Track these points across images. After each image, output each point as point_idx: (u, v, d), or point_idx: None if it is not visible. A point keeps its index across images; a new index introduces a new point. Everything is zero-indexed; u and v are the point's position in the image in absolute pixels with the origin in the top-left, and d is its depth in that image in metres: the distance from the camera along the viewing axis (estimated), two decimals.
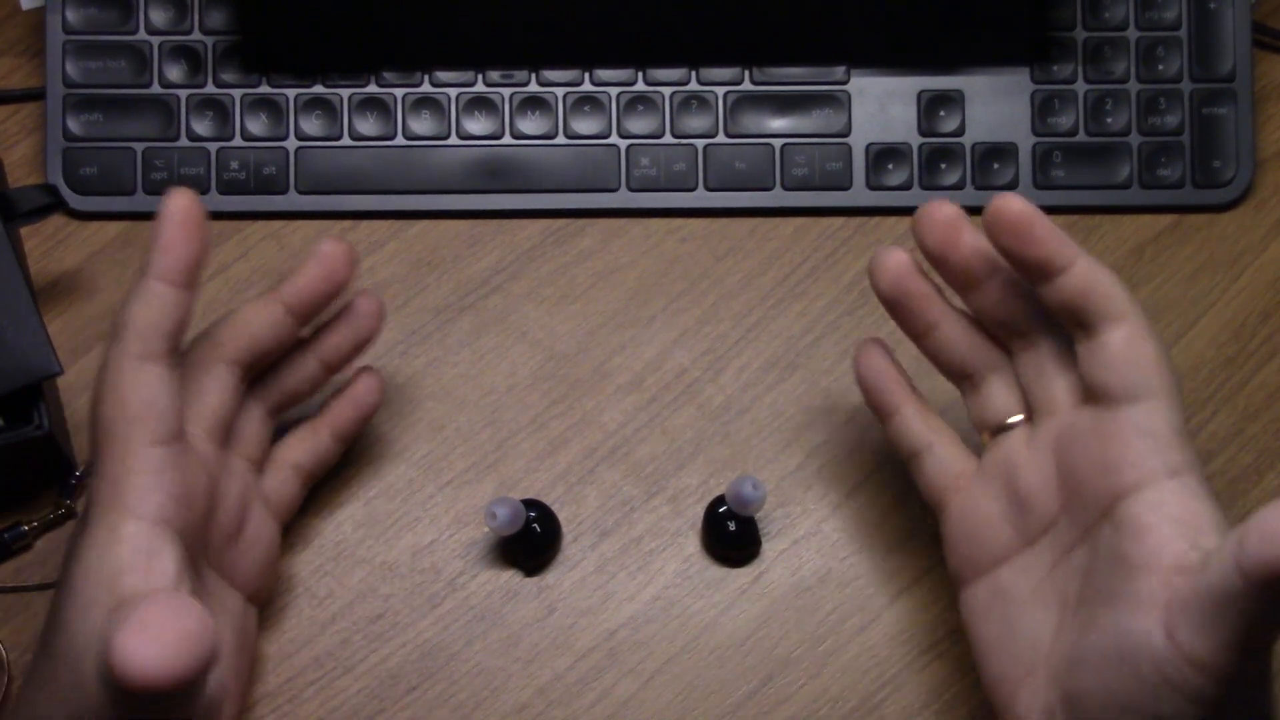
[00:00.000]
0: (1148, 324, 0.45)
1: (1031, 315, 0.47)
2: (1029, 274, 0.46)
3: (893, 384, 0.51)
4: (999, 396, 0.49)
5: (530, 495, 0.56)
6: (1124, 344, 0.45)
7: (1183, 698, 0.41)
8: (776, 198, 0.61)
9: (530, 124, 0.61)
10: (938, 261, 0.48)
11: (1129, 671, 0.42)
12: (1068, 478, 0.46)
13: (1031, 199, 0.61)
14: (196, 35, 0.61)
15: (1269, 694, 0.43)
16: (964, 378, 0.50)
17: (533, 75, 0.62)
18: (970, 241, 0.47)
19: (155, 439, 0.45)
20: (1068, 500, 0.46)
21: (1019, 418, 0.49)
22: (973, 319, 0.49)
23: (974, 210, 0.62)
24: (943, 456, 0.50)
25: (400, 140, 0.61)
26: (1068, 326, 0.46)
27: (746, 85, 0.62)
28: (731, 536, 0.55)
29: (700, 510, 0.56)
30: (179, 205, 0.46)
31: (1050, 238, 0.45)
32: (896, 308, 0.50)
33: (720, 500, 0.55)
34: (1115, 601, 0.43)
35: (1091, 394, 0.46)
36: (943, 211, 0.47)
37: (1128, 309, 0.45)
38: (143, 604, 0.39)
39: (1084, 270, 0.45)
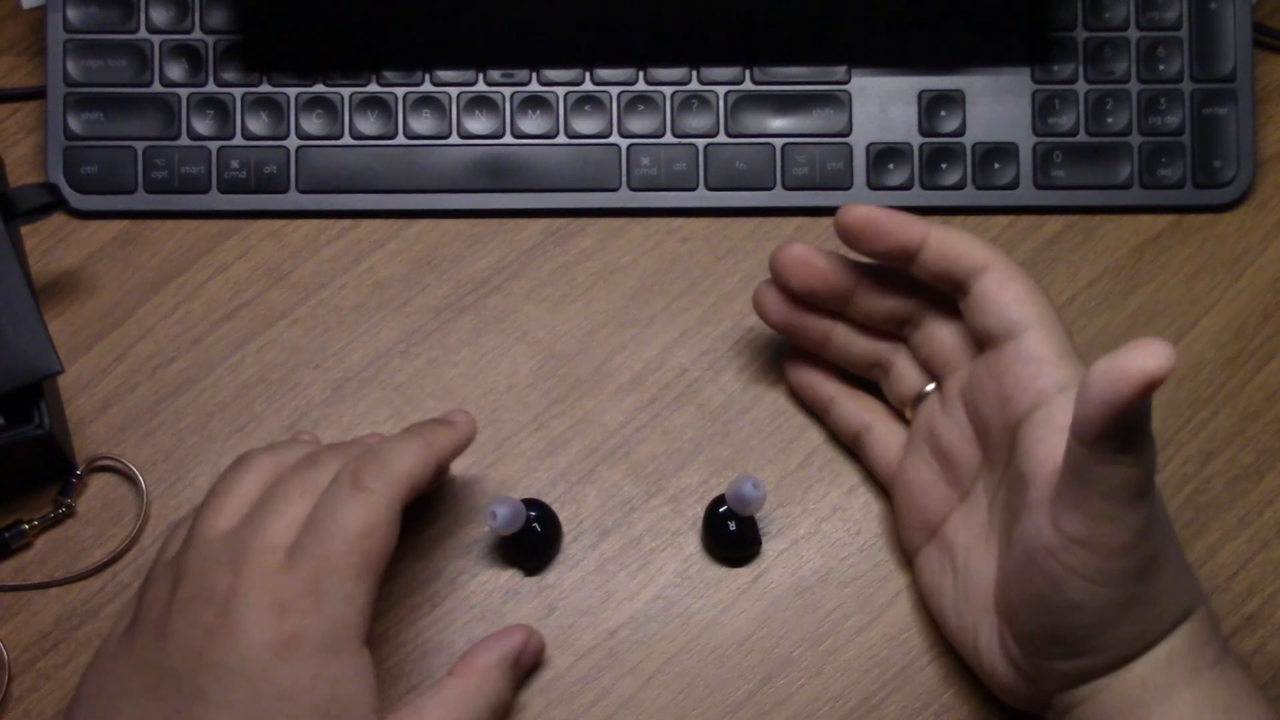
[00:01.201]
0: (1011, 265, 0.49)
1: (907, 299, 0.52)
2: (895, 263, 0.50)
3: (817, 381, 0.56)
4: (908, 372, 0.54)
5: (530, 495, 0.57)
6: (993, 288, 0.49)
7: (1082, 579, 0.44)
8: (777, 197, 0.61)
9: (531, 123, 0.61)
10: (807, 295, 0.53)
11: (1036, 571, 0.45)
12: (977, 423, 0.50)
13: (1032, 199, 0.62)
14: (197, 34, 0.61)
15: (1177, 558, 0.47)
16: (872, 368, 0.55)
17: (533, 75, 0.62)
18: (825, 266, 0.52)
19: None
20: (984, 444, 0.50)
21: (931, 386, 0.53)
22: (860, 321, 0.54)
23: (974, 210, 0.62)
24: (880, 434, 0.55)
25: (401, 139, 0.61)
26: (949, 293, 0.50)
27: (747, 85, 0.62)
28: (731, 536, 0.55)
29: (700, 510, 0.56)
30: (468, 430, 0.52)
31: (894, 226, 0.50)
32: (788, 333, 0.55)
33: (720, 500, 0.55)
34: (1017, 514, 0.47)
35: (980, 343, 0.50)
36: (791, 253, 0.53)
37: (988, 257, 0.49)
38: None
39: (936, 240, 0.49)
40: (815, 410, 0.57)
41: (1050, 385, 0.47)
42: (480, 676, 0.51)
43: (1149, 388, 0.41)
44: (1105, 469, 0.43)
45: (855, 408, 0.56)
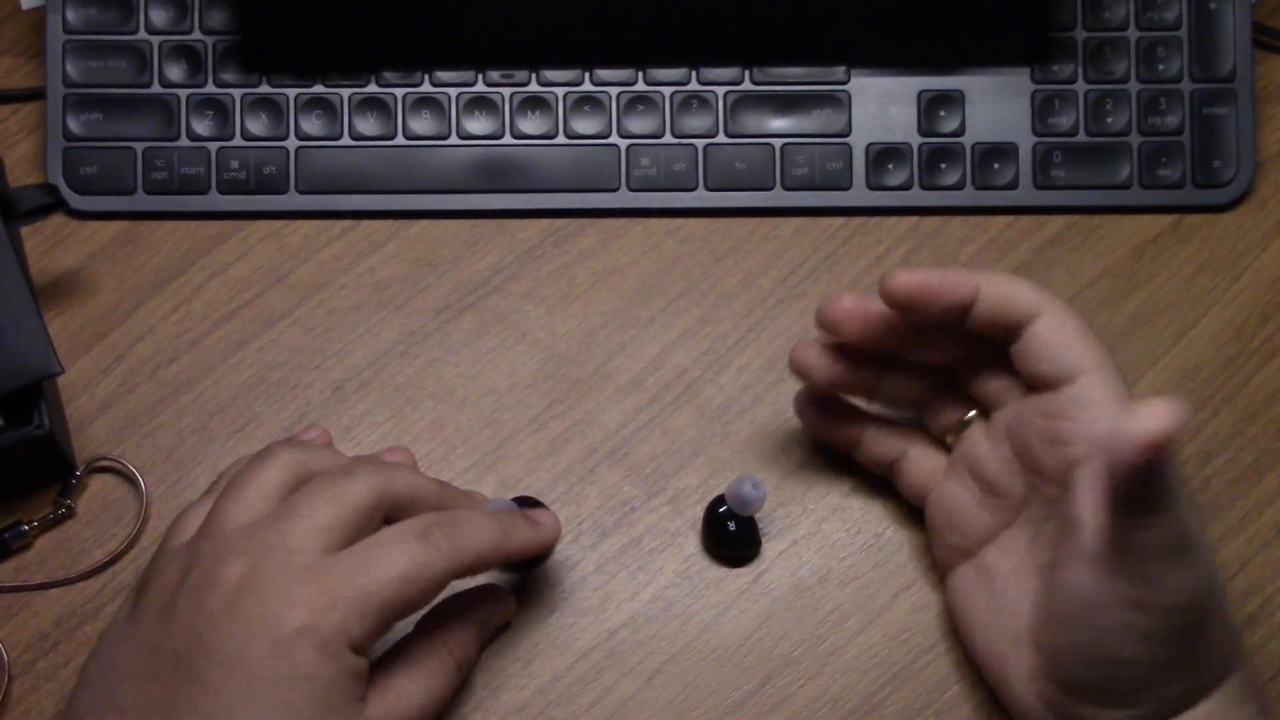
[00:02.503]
0: (1062, 306, 0.48)
1: (956, 339, 0.51)
2: (948, 319, 0.49)
3: (840, 427, 0.55)
4: (951, 403, 0.53)
5: (530, 495, 0.56)
6: (1047, 334, 0.48)
7: (1135, 638, 0.44)
8: (776, 198, 0.61)
9: (530, 124, 0.61)
10: (864, 342, 0.51)
11: (1087, 623, 0.45)
12: (1027, 461, 0.50)
13: (1031, 199, 0.62)
14: (197, 35, 0.61)
15: (1223, 613, 0.47)
16: (915, 403, 0.54)
17: (533, 75, 0.62)
18: (880, 312, 0.50)
19: None
20: (1032, 481, 0.50)
21: (973, 413, 0.52)
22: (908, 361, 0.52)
23: (973, 210, 0.62)
24: (917, 457, 0.54)
25: (400, 140, 0.61)
26: (997, 338, 0.49)
27: (747, 85, 0.62)
28: (731, 536, 0.55)
29: (700, 510, 0.56)
30: (549, 535, 0.52)
31: (947, 285, 0.48)
32: (834, 389, 0.54)
33: (720, 500, 0.55)
34: (1069, 561, 0.46)
35: (1033, 385, 0.49)
36: (843, 306, 0.50)
37: (1039, 300, 0.48)
38: None
39: (988, 290, 0.48)
40: (843, 448, 0.56)
41: (1103, 434, 0.46)
42: (451, 639, 0.51)
43: (1156, 451, 0.40)
44: (1141, 533, 0.42)
45: (887, 438, 0.54)
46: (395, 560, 0.46)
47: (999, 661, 0.50)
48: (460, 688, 0.52)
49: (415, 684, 0.50)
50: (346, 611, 0.45)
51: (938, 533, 0.53)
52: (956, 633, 0.53)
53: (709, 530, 0.56)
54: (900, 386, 0.53)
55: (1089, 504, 0.45)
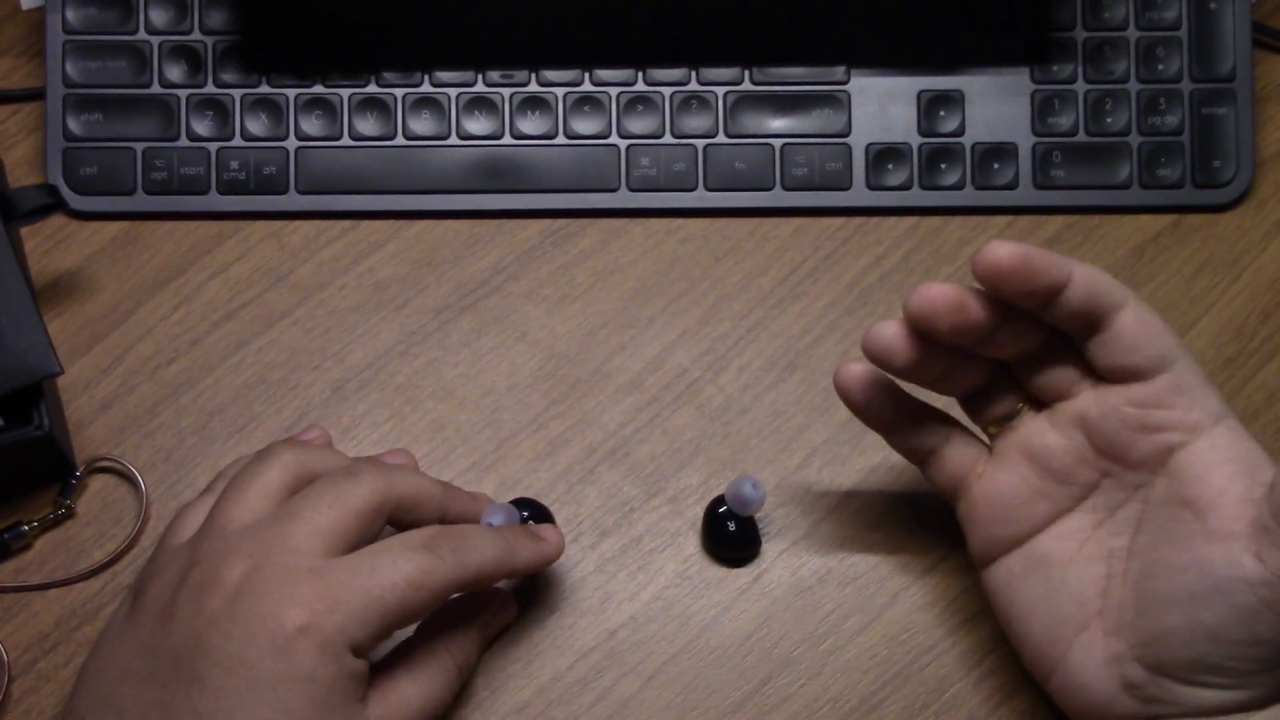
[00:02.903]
0: (1141, 300, 0.48)
1: (1038, 330, 0.49)
2: (1037, 302, 0.47)
3: (886, 408, 0.52)
4: (998, 395, 0.51)
5: (530, 495, 0.56)
6: (1135, 326, 0.47)
7: (1275, 614, 0.44)
8: (776, 198, 0.61)
9: (530, 124, 0.61)
10: (954, 334, 0.48)
11: (1220, 601, 0.45)
12: (1107, 447, 0.49)
13: (1031, 199, 0.62)
14: (196, 35, 0.61)
15: None
16: (968, 393, 0.52)
17: (533, 75, 0.62)
18: (979, 306, 0.48)
19: None
20: (1110, 466, 0.49)
21: (1022, 405, 0.51)
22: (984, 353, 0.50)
23: (973, 210, 0.62)
24: (958, 447, 0.52)
25: (400, 140, 0.61)
26: (1073, 329, 0.48)
27: (746, 85, 0.62)
28: (731, 536, 0.55)
29: (700, 510, 0.56)
30: (553, 551, 0.52)
31: (1046, 264, 0.46)
32: (907, 374, 0.50)
33: (720, 500, 0.55)
34: (1189, 541, 0.46)
35: (1115, 376, 0.48)
36: (944, 295, 0.47)
37: (1125, 294, 0.48)
38: None
39: (1082, 278, 0.47)
40: (878, 430, 0.53)
41: (1205, 417, 0.47)
42: (452, 643, 0.51)
43: None
44: None
45: (928, 426, 0.52)
46: (400, 567, 0.46)
47: (1059, 648, 0.49)
48: (461, 691, 0.52)
49: (415, 686, 0.50)
50: (348, 614, 0.45)
51: (982, 524, 0.51)
52: (1002, 624, 0.51)
53: (709, 530, 0.56)
54: (965, 376, 0.51)
55: (1215, 476, 0.46)
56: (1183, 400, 0.47)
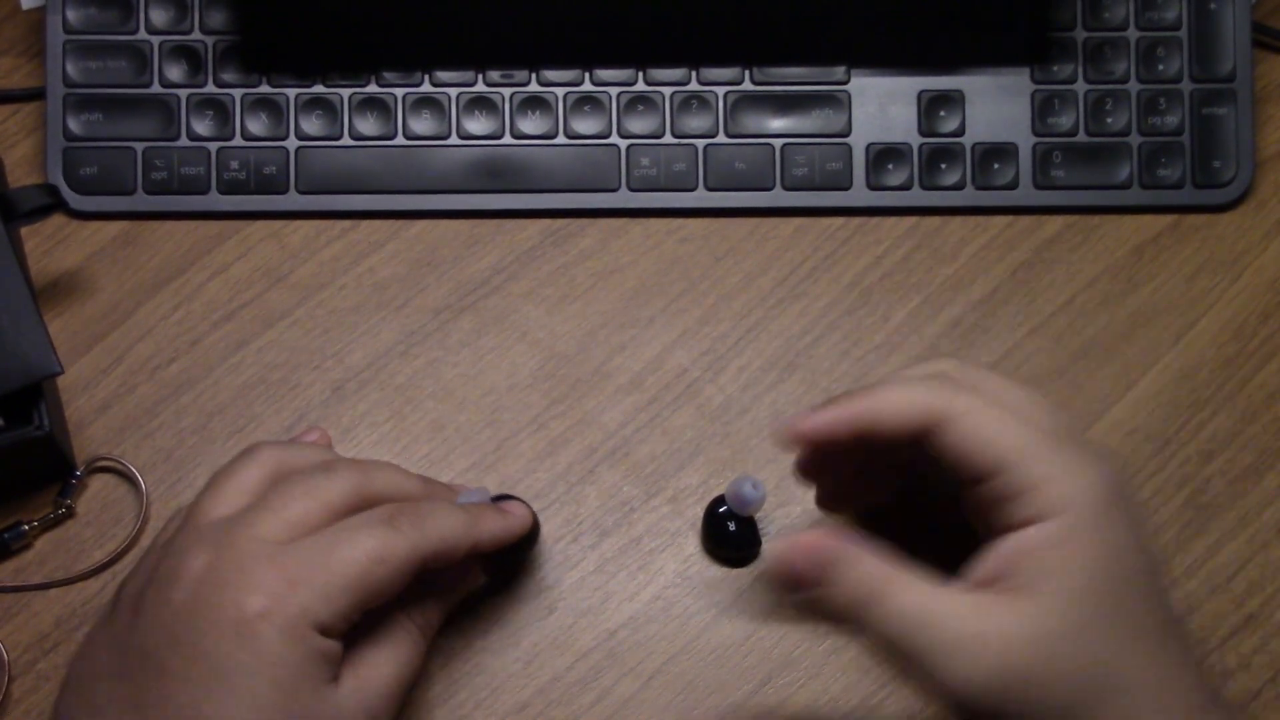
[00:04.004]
0: (982, 403, 0.43)
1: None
2: (879, 442, 0.44)
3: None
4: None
5: (530, 495, 0.56)
6: (957, 441, 0.43)
7: None
8: (776, 198, 0.61)
9: (530, 124, 0.61)
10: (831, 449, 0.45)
11: None
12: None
13: (1031, 199, 0.62)
14: (197, 35, 0.61)
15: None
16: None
17: (533, 75, 0.62)
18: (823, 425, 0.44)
19: None
20: None
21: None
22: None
23: (973, 210, 0.62)
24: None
25: (400, 140, 0.61)
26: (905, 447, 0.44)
27: (747, 85, 0.62)
28: (731, 536, 0.55)
29: (700, 510, 0.56)
30: (517, 524, 0.52)
31: (837, 420, 0.43)
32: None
33: (720, 500, 0.55)
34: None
35: (958, 478, 0.44)
36: (796, 430, 0.44)
37: (947, 411, 0.43)
38: None
39: (893, 415, 0.43)
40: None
41: (1037, 514, 0.42)
42: (411, 608, 0.50)
43: None
44: None
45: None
46: (360, 543, 0.46)
47: None
48: (430, 657, 0.52)
49: (382, 653, 0.49)
50: (310, 594, 0.45)
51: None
52: None
53: (709, 530, 0.56)
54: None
55: None
56: (1019, 501, 0.42)
